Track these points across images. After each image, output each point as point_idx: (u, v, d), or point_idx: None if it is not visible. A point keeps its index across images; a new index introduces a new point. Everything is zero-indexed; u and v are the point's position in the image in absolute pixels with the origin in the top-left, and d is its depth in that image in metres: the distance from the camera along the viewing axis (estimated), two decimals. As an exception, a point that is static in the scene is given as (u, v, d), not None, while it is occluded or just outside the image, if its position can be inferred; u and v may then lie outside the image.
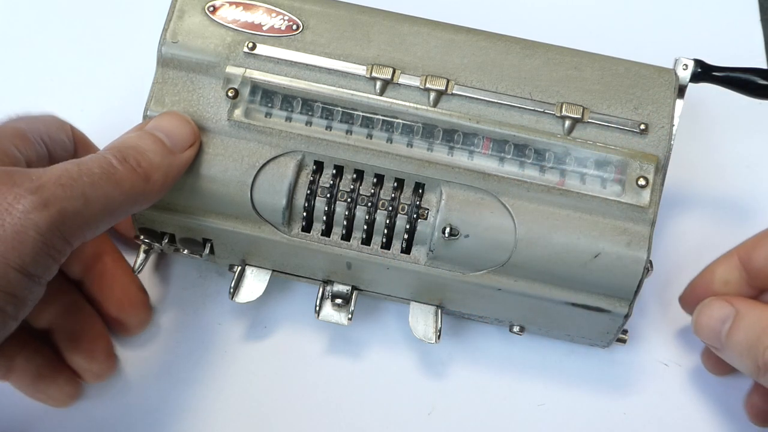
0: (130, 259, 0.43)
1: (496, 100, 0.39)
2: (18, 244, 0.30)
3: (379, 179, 0.39)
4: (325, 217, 0.39)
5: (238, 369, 0.44)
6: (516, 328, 0.44)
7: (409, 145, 0.39)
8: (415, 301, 0.43)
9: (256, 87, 0.39)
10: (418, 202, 0.39)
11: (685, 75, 0.40)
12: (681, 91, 0.40)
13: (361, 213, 0.39)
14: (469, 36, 0.40)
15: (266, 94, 0.39)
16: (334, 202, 0.39)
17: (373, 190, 0.39)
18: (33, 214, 0.30)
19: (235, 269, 0.43)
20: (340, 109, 0.39)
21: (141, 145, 0.36)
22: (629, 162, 0.39)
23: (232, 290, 0.42)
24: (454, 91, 0.39)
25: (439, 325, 0.42)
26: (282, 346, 0.45)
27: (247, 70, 0.39)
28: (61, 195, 0.31)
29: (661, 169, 0.39)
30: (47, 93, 0.50)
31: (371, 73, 0.39)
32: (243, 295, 0.42)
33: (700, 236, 0.47)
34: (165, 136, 0.37)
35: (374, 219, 0.39)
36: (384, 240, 0.40)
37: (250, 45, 0.39)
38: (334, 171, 0.39)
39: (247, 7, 0.40)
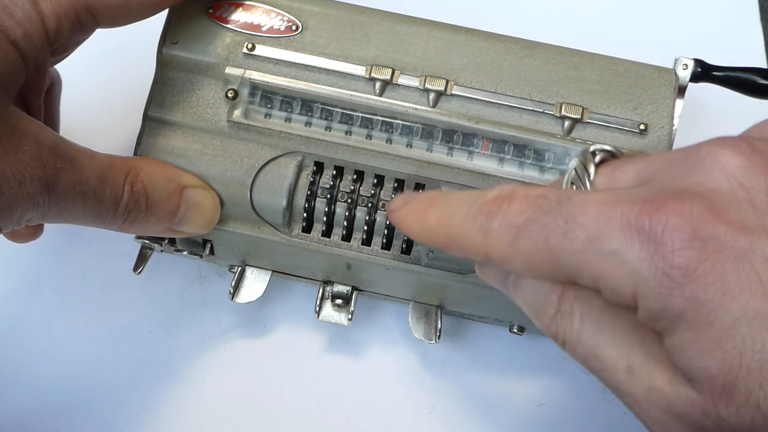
0: (131, 261, 0.43)
1: (495, 101, 0.39)
2: None
3: (380, 180, 0.39)
4: (325, 218, 0.39)
5: (238, 368, 0.45)
6: (516, 328, 0.44)
7: (409, 145, 0.39)
8: (415, 302, 0.43)
9: (255, 88, 0.39)
10: (417, 203, 0.39)
11: (685, 75, 0.40)
12: (681, 91, 0.40)
13: (361, 214, 0.39)
14: (468, 36, 0.40)
15: (265, 95, 0.39)
16: (335, 203, 0.39)
17: (373, 191, 0.39)
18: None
19: (235, 270, 0.43)
20: (339, 109, 0.39)
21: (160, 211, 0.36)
22: (629, 162, 0.39)
23: (232, 291, 0.42)
24: (453, 92, 0.39)
25: (439, 325, 0.42)
26: (282, 346, 0.45)
27: (247, 71, 0.39)
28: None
29: (661, 169, 0.39)
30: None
31: (370, 73, 0.39)
32: (243, 296, 0.42)
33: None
34: (186, 224, 0.38)
35: (374, 219, 0.39)
36: (384, 241, 0.40)
37: (250, 46, 0.39)
38: (335, 172, 0.39)
39: (246, 7, 0.40)
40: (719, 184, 0.26)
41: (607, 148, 0.31)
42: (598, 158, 0.30)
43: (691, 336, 0.25)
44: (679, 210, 0.25)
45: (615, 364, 0.28)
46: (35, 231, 0.39)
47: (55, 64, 0.38)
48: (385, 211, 0.39)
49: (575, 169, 0.30)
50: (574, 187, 0.30)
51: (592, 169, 0.30)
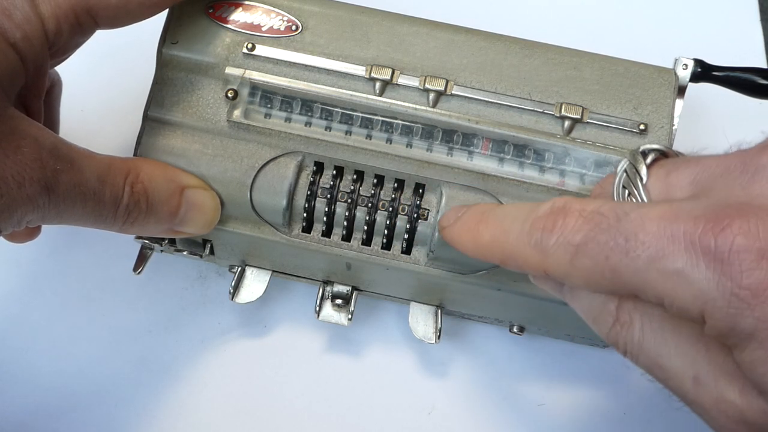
0: (131, 261, 0.43)
1: (495, 101, 0.39)
2: None
3: (380, 180, 0.39)
4: (325, 218, 0.39)
5: (238, 368, 0.45)
6: (516, 328, 0.44)
7: (409, 145, 0.39)
8: (415, 302, 0.43)
9: (255, 88, 0.39)
10: (418, 203, 0.39)
11: (685, 75, 0.40)
12: (681, 91, 0.40)
13: (361, 214, 0.39)
14: (468, 36, 0.40)
15: (265, 95, 0.39)
16: (335, 203, 0.39)
17: (373, 191, 0.39)
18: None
19: (235, 270, 0.43)
20: (339, 109, 0.39)
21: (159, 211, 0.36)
22: (629, 162, 0.39)
23: (232, 291, 0.42)
24: (453, 92, 0.39)
25: (439, 325, 0.42)
26: (282, 346, 0.45)
27: (247, 71, 0.39)
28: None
29: (661, 169, 0.39)
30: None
31: (370, 73, 0.39)
32: (243, 296, 0.42)
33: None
34: (186, 225, 0.38)
35: (374, 220, 0.39)
36: (384, 241, 0.40)
37: (250, 46, 0.39)
38: (335, 172, 0.39)
39: (246, 7, 0.40)
40: None
41: (658, 147, 0.30)
42: (649, 159, 0.30)
43: (763, 354, 0.24)
44: (745, 229, 0.24)
45: (680, 374, 0.28)
46: (33, 232, 0.39)
47: (55, 66, 0.38)
48: (384, 210, 0.39)
49: (626, 171, 0.30)
50: (627, 191, 0.29)
51: (644, 171, 0.29)
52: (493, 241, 0.31)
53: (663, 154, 0.30)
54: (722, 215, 0.25)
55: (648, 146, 0.30)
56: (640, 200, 0.29)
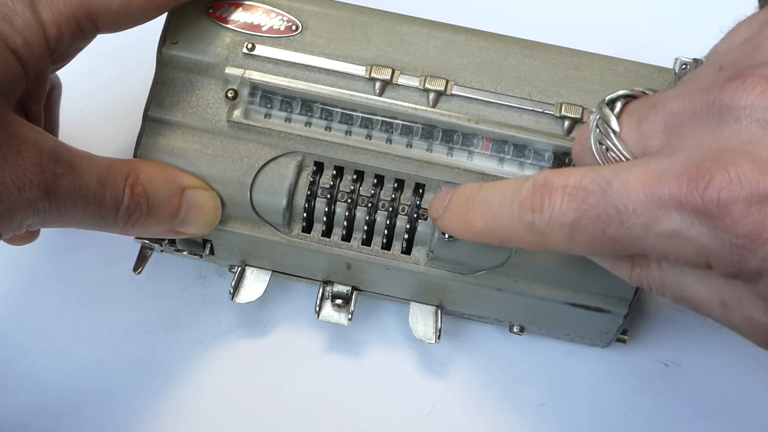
0: (131, 261, 0.43)
1: (495, 101, 0.39)
2: None
3: (380, 180, 0.39)
4: (325, 218, 0.39)
5: (238, 368, 0.45)
6: (516, 328, 0.44)
7: (409, 145, 0.39)
8: (415, 302, 0.43)
9: (255, 88, 0.39)
10: (418, 203, 0.39)
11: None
12: (681, 91, 0.40)
13: (361, 214, 0.39)
14: (468, 36, 0.40)
15: (265, 95, 0.39)
16: (335, 203, 0.39)
17: (373, 191, 0.39)
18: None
19: (235, 270, 0.43)
20: (339, 109, 0.39)
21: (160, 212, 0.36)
22: (629, 162, 0.39)
23: (232, 291, 0.42)
24: (453, 92, 0.39)
25: (439, 325, 0.42)
26: (282, 346, 0.45)
27: (247, 71, 0.39)
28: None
29: (661, 169, 0.39)
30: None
31: (370, 73, 0.39)
32: (243, 296, 0.42)
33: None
34: (186, 225, 0.38)
35: (374, 220, 0.39)
36: (384, 241, 0.40)
37: (250, 46, 0.39)
38: (334, 172, 0.39)
39: (246, 7, 0.40)
40: (753, 132, 0.26)
41: (623, 92, 0.31)
42: (617, 108, 0.30)
43: None
44: (727, 180, 0.25)
45: (707, 302, 0.28)
46: (32, 235, 0.39)
47: (56, 71, 0.38)
48: (384, 210, 0.39)
49: (598, 126, 0.30)
50: (603, 146, 0.30)
51: (614, 123, 0.30)
52: (486, 228, 0.32)
53: (630, 97, 0.31)
54: (702, 170, 0.25)
55: (613, 95, 0.31)
56: (617, 153, 0.29)
